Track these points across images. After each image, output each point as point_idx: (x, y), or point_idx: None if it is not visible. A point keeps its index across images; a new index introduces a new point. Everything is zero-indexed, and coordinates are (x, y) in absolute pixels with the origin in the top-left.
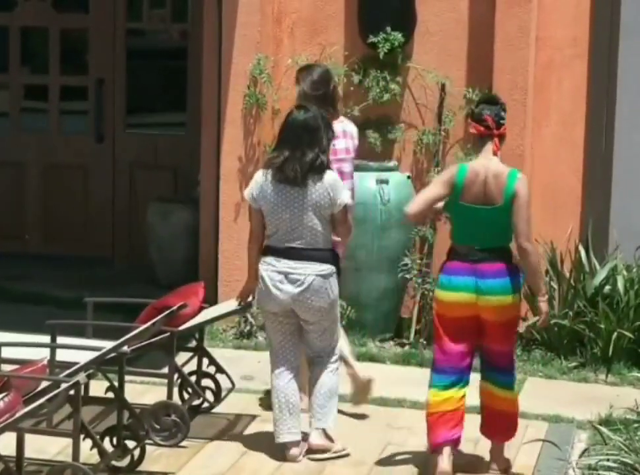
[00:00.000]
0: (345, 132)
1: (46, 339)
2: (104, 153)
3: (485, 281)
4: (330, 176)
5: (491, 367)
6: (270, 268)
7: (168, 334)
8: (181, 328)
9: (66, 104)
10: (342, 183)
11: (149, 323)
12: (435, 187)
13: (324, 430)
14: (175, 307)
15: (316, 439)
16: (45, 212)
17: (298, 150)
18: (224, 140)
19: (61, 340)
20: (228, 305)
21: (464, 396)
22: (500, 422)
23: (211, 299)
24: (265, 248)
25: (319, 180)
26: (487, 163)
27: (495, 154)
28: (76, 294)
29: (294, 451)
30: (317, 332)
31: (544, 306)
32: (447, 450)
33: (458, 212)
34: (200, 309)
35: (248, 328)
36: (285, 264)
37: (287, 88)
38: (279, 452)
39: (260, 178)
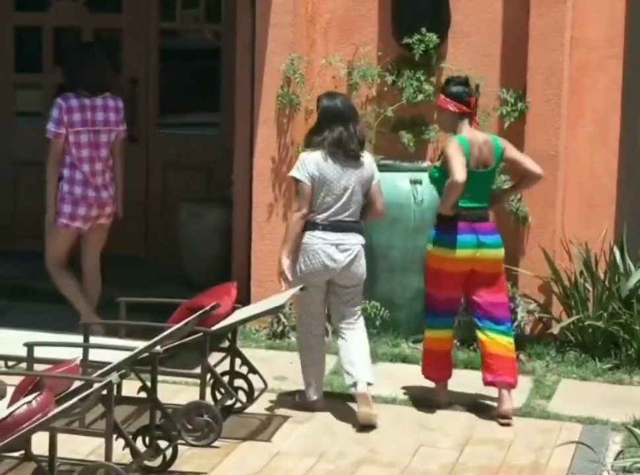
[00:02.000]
0: None
1: (79, 339)
2: (137, 153)
3: (485, 237)
4: (368, 152)
5: (490, 318)
6: (321, 241)
7: (201, 334)
8: (214, 328)
9: None
10: None
11: (182, 323)
12: (460, 155)
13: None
14: (207, 307)
15: (365, 390)
16: None
17: (351, 127)
18: (257, 140)
19: (93, 339)
20: (261, 305)
21: (453, 337)
22: (505, 366)
23: (244, 299)
24: (312, 224)
25: (365, 155)
26: (474, 133)
27: (477, 126)
28: (109, 294)
29: (321, 405)
30: (353, 295)
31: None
32: (443, 385)
33: (467, 179)
34: (233, 309)
35: (281, 328)
36: (335, 237)
37: (320, 88)
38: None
39: (315, 156)
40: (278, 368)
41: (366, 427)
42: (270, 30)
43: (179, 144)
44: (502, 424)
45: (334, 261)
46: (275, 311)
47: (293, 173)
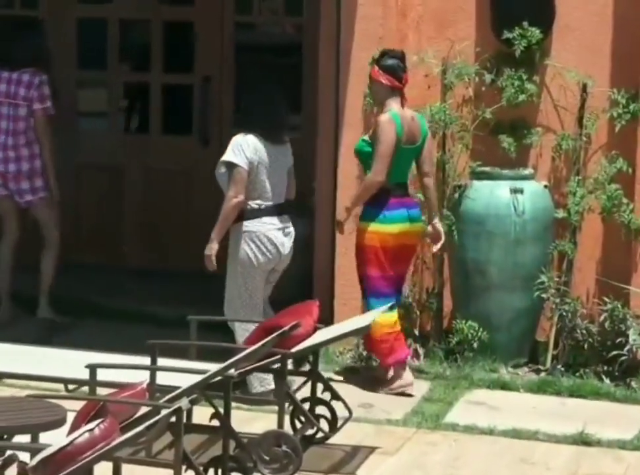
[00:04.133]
0: None
1: (146, 361)
2: (210, 157)
3: (412, 211)
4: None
5: (400, 293)
6: (272, 227)
7: (279, 356)
8: (294, 350)
9: (169, 104)
10: None
11: (258, 344)
12: (393, 144)
13: None
14: (286, 328)
15: None
16: (145, 222)
17: (282, 111)
18: (342, 144)
19: (161, 361)
20: (345, 325)
21: (401, 316)
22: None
23: (326, 318)
24: (256, 211)
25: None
26: (403, 110)
27: (403, 106)
28: (179, 312)
29: None
30: (278, 275)
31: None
32: (404, 366)
33: (398, 155)
34: (315, 329)
35: (367, 351)
36: (280, 220)
37: (412, 87)
38: None
39: (252, 139)
40: (364, 394)
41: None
42: (357, 23)
43: None
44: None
45: (284, 246)
46: (361, 332)
47: (230, 157)
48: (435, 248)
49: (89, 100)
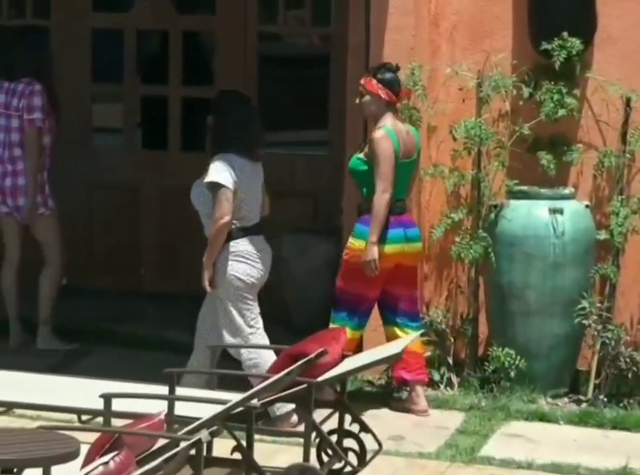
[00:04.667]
0: None
1: (163, 390)
2: None
3: (410, 230)
4: None
5: (406, 314)
6: (258, 244)
7: (305, 385)
8: (320, 379)
9: (188, 119)
10: None
11: (282, 373)
12: (393, 159)
13: None
14: (313, 355)
15: None
16: (163, 243)
17: (259, 128)
18: None
19: (180, 390)
20: (375, 353)
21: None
22: (420, 363)
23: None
24: (242, 230)
25: None
26: (397, 124)
27: (398, 120)
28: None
29: None
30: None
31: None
32: None
33: (396, 170)
34: (342, 357)
35: None
36: (263, 238)
37: (445, 102)
38: None
39: (233, 159)
40: (393, 426)
41: None
42: (387, 34)
43: (281, 166)
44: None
45: (267, 263)
46: (391, 360)
47: (215, 178)
48: None
49: (103, 115)
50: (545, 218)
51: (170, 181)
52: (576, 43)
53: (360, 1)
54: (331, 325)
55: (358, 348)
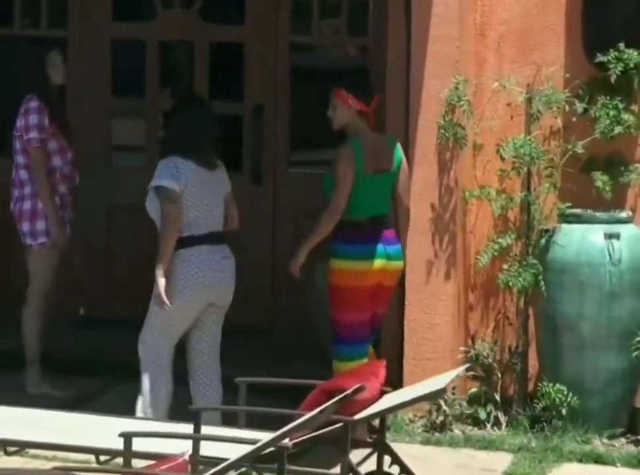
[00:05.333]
0: None
1: (188, 428)
2: (262, 197)
3: (392, 248)
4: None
5: (373, 331)
6: (206, 254)
7: (341, 424)
8: (357, 417)
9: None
10: None
11: (316, 410)
12: (349, 175)
13: None
14: (349, 391)
15: None
16: None
17: (211, 131)
18: (412, 183)
19: (206, 429)
20: (416, 388)
21: None
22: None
23: (394, 380)
24: (189, 239)
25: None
26: (370, 135)
27: (372, 127)
28: (226, 372)
29: None
30: (222, 315)
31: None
32: None
33: (361, 185)
34: (381, 393)
35: (441, 418)
36: (214, 249)
37: (492, 118)
38: None
39: (180, 163)
40: (436, 468)
41: None
42: (429, 45)
43: (314, 186)
44: None
45: (216, 277)
46: (434, 397)
47: (159, 182)
48: None
49: (124, 132)
50: (600, 244)
51: None
52: (633, 54)
53: (400, 9)
54: (335, 363)
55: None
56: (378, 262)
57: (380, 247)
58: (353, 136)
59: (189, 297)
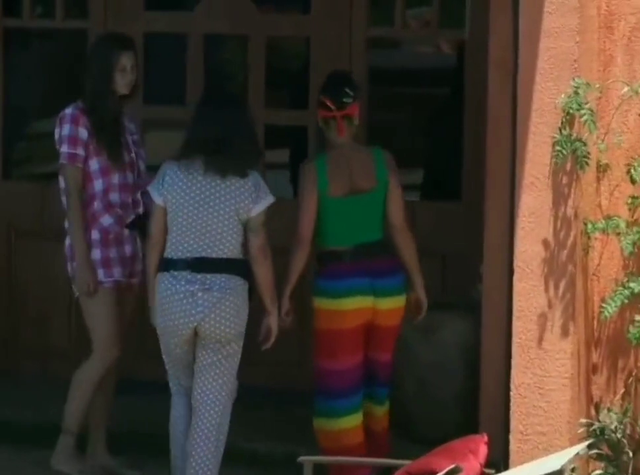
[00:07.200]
0: None
1: None
2: None
3: (382, 281)
4: None
5: (372, 383)
6: (180, 282)
7: None
8: None
9: (274, 150)
10: None
11: None
12: (309, 197)
13: None
14: (442, 473)
15: None
16: None
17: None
18: (519, 213)
19: None
20: (527, 469)
21: (362, 423)
22: (382, 441)
23: (498, 460)
24: (166, 262)
25: None
26: (348, 148)
27: (341, 136)
28: (286, 449)
29: None
30: (214, 344)
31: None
32: None
33: (329, 210)
34: None
35: None
36: (193, 277)
37: (621, 132)
38: None
39: (169, 169)
40: None
41: None
42: (542, 40)
43: None
44: None
45: (189, 309)
46: None
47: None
48: (415, 321)
49: (159, 145)
50: None
51: None
52: None
53: None
54: (314, 419)
55: (370, 441)
56: (362, 300)
57: (364, 282)
58: (326, 150)
59: (160, 328)
